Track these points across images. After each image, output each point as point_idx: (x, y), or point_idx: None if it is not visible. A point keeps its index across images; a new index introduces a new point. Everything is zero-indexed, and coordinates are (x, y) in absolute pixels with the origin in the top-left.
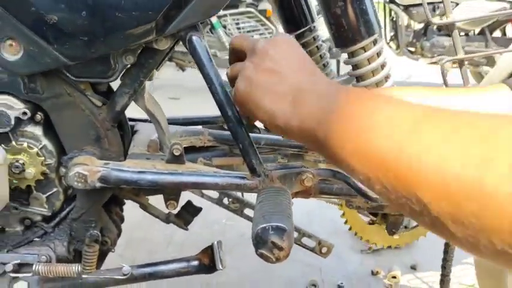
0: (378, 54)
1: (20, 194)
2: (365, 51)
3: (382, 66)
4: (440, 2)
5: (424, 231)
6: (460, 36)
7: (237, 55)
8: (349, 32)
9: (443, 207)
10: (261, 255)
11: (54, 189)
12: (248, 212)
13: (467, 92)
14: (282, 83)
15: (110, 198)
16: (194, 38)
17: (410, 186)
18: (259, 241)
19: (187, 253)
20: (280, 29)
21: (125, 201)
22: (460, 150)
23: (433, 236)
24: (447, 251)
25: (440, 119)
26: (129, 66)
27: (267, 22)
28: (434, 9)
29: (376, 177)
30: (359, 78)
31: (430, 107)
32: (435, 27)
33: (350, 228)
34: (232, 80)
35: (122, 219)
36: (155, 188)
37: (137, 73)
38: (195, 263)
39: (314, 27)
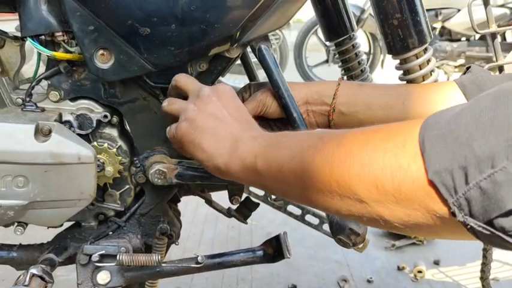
0: (428, 61)
1: (97, 191)
2: (417, 58)
3: (431, 72)
4: (443, 9)
5: None
6: (461, 41)
7: (178, 92)
8: (404, 41)
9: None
10: (339, 241)
11: (127, 186)
12: (291, 208)
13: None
14: (223, 128)
15: None
16: (263, 46)
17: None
18: (338, 228)
19: (217, 251)
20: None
21: None
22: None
23: None
24: (485, 255)
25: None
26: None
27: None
28: (436, 15)
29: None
30: (410, 83)
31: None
32: (437, 32)
33: None
34: (169, 114)
35: (180, 214)
36: (224, 184)
37: (207, 79)
38: (260, 253)
39: (353, 35)
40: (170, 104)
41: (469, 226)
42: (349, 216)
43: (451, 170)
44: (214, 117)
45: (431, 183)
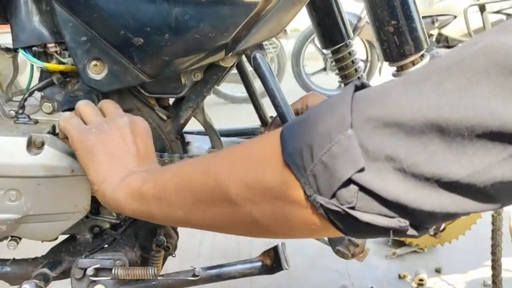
0: None
1: (92, 204)
2: (414, 65)
3: None
4: (439, 15)
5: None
6: None
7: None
8: (400, 48)
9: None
10: (338, 252)
11: None
12: None
13: None
14: (123, 160)
15: None
16: (258, 55)
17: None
18: (337, 239)
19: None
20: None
21: None
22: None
23: (454, 240)
24: (495, 252)
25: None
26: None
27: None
28: (433, 22)
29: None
30: None
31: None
32: (434, 38)
33: None
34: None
35: (176, 226)
36: None
37: (202, 88)
38: (258, 264)
39: (350, 42)
40: (86, 106)
41: (320, 208)
42: (228, 226)
43: (301, 149)
44: (121, 145)
45: (286, 165)
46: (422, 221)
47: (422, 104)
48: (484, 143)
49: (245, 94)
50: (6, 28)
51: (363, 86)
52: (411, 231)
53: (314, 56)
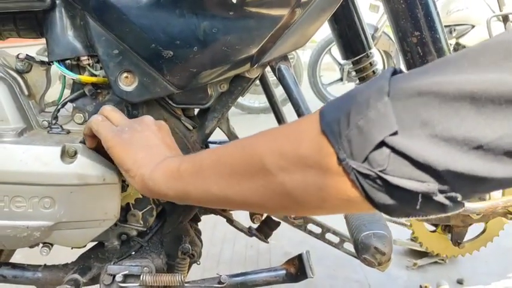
0: None
1: (120, 211)
2: None
3: None
4: (457, 25)
5: (479, 245)
6: None
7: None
8: (424, 58)
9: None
10: (364, 260)
11: (149, 206)
12: (311, 227)
13: None
14: (157, 149)
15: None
16: (283, 66)
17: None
18: (363, 247)
19: (236, 271)
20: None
21: None
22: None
23: (476, 252)
24: None
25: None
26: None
27: None
28: (450, 32)
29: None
30: None
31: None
32: (452, 48)
33: (416, 239)
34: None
35: (200, 234)
36: None
37: (227, 99)
38: (283, 272)
39: (370, 53)
40: (113, 111)
41: (352, 172)
42: (261, 199)
43: (338, 117)
44: (153, 139)
45: (324, 134)
46: (453, 185)
47: (457, 76)
48: None
49: (262, 105)
50: (32, 41)
51: (401, 71)
52: (440, 198)
53: (330, 67)
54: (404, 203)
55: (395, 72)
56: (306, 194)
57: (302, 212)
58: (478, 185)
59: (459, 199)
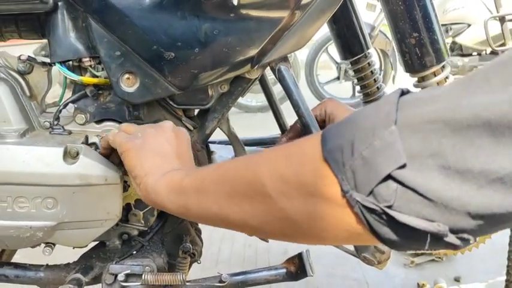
0: (446, 79)
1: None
2: (435, 76)
3: None
4: (453, 24)
5: (478, 243)
6: (473, 55)
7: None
8: (422, 59)
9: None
10: (364, 259)
11: (150, 206)
12: None
13: None
14: (167, 160)
15: None
16: (282, 67)
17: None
18: (363, 246)
19: (234, 271)
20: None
21: None
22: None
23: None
24: (509, 272)
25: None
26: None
27: None
28: (447, 31)
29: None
30: None
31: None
32: (448, 47)
33: None
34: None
35: (201, 233)
36: None
37: (227, 100)
38: (283, 271)
39: (369, 53)
40: (129, 125)
41: (356, 205)
42: (261, 223)
43: (341, 145)
44: (165, 146)
45: (326, 162)
46: (466, 225)
47: (469, 100)
48: None
49: (259, 104)
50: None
51: (408, 92)
52: (451, 239)
53: (327, 65)
54: (411, 241)
55: (403, 93)
56: (307, 222)
57: (302, 240)
58: (494, 222)
59: (471, 241)
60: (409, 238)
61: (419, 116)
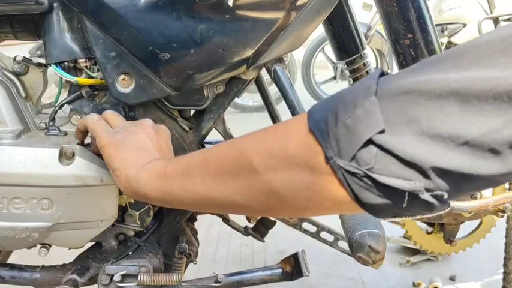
0: None
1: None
2: None
3: None
4: (449, 24)
5: (472, 242)
6: None
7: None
8: (416, 60)
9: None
10: (359, 259)
11: (146, 206)
12: (306, 226)
13: None
14: (148, 151)
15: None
16: (278, 68)
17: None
18: (357, 246)
19: (231, 270)
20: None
21: None
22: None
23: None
24: (506, 264)
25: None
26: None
27: None
28: (442, 31)
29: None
30: None
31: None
32: (444, 46)
33: (409, 238)
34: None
35: (197, 233)
36: None
37: (223, 100)
38: (278, 271)
39: (364, 54)
40: (113, 114)
41: (339, 170)
42: (247, 199)
43: (326, 117)
44: (146, 142)
45: (311, 133)
46: (439, 183)
47: (442, 74)
48: (498, 104)
49: (256, 103)
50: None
51: (388, 73)
52: (427, 196)
53: (323, 65)
54: (391, 201)
55: (383, 73)
56: (293, 193)
57: (287, 213)
58: (464, 183)
59: (445, 197)
60: (389, 199)
61: (397, 88)
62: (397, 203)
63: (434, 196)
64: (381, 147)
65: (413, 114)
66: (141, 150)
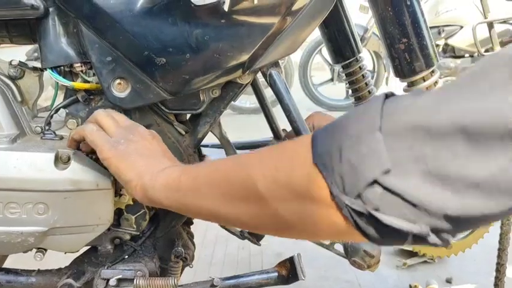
0: (435, 84)
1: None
2: (424, 81)
3: None
4: (445, 26)
5: (470, 243)
6: (465, 57)
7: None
8: (411, 65)
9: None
10: (354, 263)
11: (142, 210)
12: None
13: None
14: (157, 157)
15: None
16: (274, 72)
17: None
18: (352, 250)
19: (228, 273)
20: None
21: None
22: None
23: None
24: (500, 255)
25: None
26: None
27: None
28: (439, 33)
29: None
30: None
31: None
32: (440, 49)
33: None
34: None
35: (193, 237)
36: None
37: (219, 104)
38: (274, 274)
39: (360, 57)
40: (106, 117)
41: (345, 208)
42: (256, 224)
43: (330, 151)
44: (150, 149)
45: (316, 166)
46: (445, 226)
47: (447, 108)
48: (507, 142)
49: (253, 105)
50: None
51: (392, 95)
52: (433, 239)
53: (320, 67)
54: (396, 240)
55: (387, 96)
56: (299, 222)
57: (296, 237)
58: (471, 224)
59: (451, 240)
60: (394, 237)
61: (402, 123)
62: (401, 240)
63: (439, 237)
64: (386, 188)
65: (419, 153)
66: (150, 158)
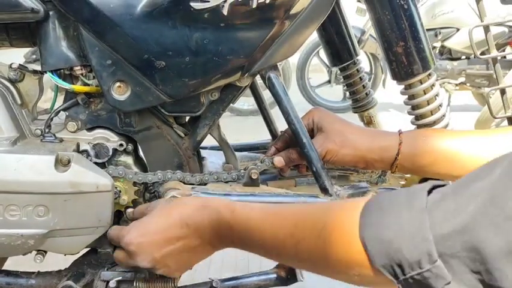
0: (432, 86)
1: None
2: (421, 84)
3: (436, 96)
4: (442, 28)
5: None
6: (462, 59)
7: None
8: (408, 68)
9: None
10: None
11: None
12: None
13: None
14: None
15: None
16: (272, 75)
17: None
18: None
19: (227, 275)
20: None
21: None
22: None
23: None
24: None
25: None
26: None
27: None
28: (436, 35)
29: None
30: (415, 107)
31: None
32: (437, 51)
33: None
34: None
35: None
36: None
37: (218, 107)
38: (273, 276)
39: (357, 60)
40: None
41: None
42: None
43: (392, 265)
44: (185, 247)
45: (379, 271)
46: None
47: (495, 229)
48: None
49: (251, 107)
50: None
51: (437, 187)
52: None
53: (318, 69)
54: None
55: (431, 190)
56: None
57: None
58: None
59: None
60: None
61: (458, 245)
62: None
63: None
64: None
65: (475, 268)
66: (194, 254)
